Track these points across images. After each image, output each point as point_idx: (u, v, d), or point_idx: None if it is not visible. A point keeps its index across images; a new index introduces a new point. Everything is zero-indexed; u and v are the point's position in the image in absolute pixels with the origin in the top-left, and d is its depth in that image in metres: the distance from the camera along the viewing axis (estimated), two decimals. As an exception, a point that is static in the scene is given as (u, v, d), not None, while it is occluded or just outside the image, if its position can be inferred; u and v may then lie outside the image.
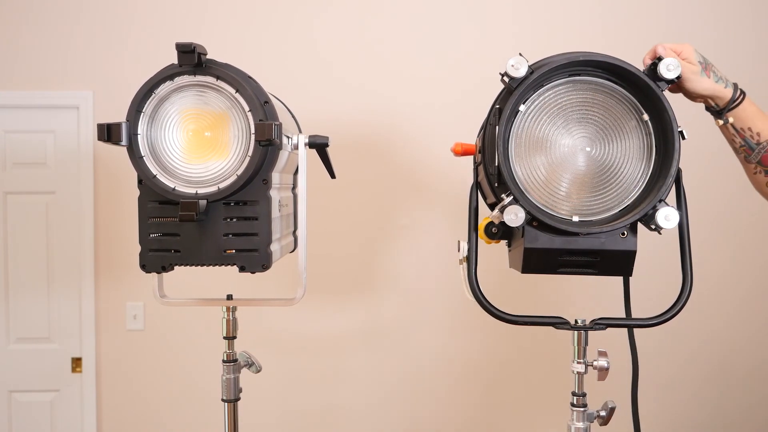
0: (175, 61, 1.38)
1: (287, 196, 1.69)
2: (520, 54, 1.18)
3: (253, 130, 1.37)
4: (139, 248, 1.45)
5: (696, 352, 2.85)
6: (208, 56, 1.40)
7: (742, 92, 1.31)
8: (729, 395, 2.87)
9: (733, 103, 1.30)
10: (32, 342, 2.81)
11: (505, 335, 2.75)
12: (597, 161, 1.22)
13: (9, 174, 2.78)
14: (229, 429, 1.65)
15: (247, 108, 1.38)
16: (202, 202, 1.37)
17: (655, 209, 1.18)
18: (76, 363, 2.82)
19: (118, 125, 1.37)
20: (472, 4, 2.79)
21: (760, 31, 2.77)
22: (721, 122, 1.32)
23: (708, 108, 1.34)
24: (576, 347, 1.29)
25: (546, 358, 2.80)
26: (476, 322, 2.73)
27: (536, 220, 1.20)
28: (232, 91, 1.38)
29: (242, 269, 1.45)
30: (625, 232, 1.22)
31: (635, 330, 1.41)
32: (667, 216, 1.18)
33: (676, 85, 1.28)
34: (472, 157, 1.49)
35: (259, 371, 1.65)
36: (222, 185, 1.39)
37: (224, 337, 1.64)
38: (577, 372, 1.29)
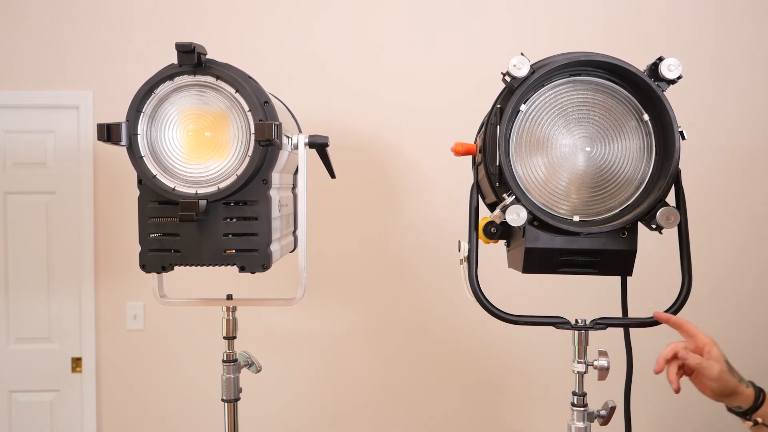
0: (175, 61, 1.38)
1: (287, 196, 1.69)
2: (522, 54, 1.18)
3: (253, 130, 1.37)
4: (139, 248, 1.45)
5: (696, 352, 2.84)
6: (207, 56, 1.40)
7: (762, 390, 1.24)
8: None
9: (757, 401, 1.23)
10: (32, 342, 2.81)
11: (506, 335, 2.75)
12: (597, 161, 1.22)
13: (9, 174, 2.77)
14: (229, 429, 1.65)
15: (247, 108, 1.38)
16: (202, 202, 1.37)
17: (655, 209, 1.18)
18: (76, 363, 2.81)
19: (118, 125, 1.37)
20: (471, 5, 2.78)
21: (760, 31, 2.77)
22: (750, 423, 1.22)
23: (731, 410, 1.27)
24: (576, 347, 1.29)
25: (546, 358, 2.80)
26: (477, 322, 2.74)
27: (537, 220, 1.20)
28: (232, 91, 1.38)
29: (242, 269, 1.45)
30: (626, 232, 1.22)
31: (634, 329, 1.41)
32: (668, 216, 1.18)
33: (696, 377, 1.23)
34: (471, 156, 1.49)
35: (259, 371, 1.65)
36: (222, 185, 1.39)
37: (224, 337, 1.64)
38: (578, 372, 1.30)
